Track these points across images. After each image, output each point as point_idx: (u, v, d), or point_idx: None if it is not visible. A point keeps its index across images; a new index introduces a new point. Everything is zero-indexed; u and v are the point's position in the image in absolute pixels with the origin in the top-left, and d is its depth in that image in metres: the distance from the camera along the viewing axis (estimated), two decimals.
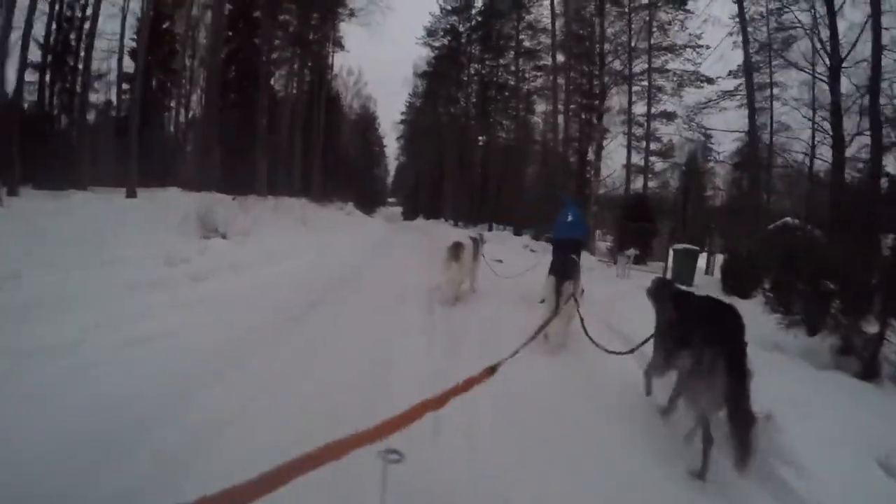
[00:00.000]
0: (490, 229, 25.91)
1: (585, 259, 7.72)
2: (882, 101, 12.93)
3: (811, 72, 15.73)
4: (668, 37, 23.49)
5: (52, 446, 2.53)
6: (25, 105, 18.92)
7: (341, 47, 30.61)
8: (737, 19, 17.95)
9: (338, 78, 34.84)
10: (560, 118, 25.28)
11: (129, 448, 2.62)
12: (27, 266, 5.24)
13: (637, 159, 24.20)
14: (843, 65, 14.07)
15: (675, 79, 23.50)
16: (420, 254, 12.99)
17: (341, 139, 36.59)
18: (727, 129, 20.79)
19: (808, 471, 2.81)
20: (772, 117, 18.20)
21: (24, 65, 16.02)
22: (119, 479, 2.35)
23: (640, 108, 24.25)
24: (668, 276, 10.00)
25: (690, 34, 22.70)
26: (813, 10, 15.18)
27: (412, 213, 41.74)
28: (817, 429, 3.16)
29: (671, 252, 12.73)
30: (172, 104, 26.73)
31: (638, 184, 24.11)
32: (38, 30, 18.55)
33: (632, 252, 12.43)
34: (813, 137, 17.08)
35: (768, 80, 18.42)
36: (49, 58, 20.68)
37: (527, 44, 29.47)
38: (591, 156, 25.78)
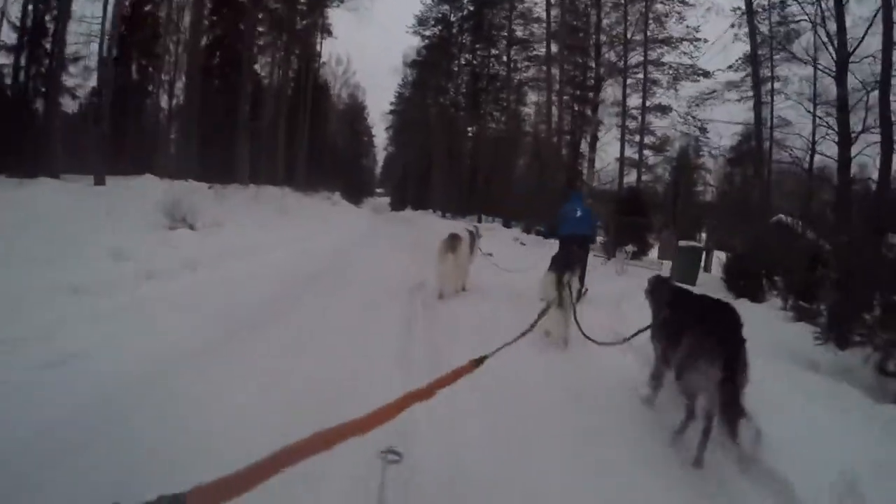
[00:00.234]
0: (479, 221, 25.55)
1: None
2: (892, 97, 12.35)
3: (818, 66, 15.14)
4: (665, 29, 23.21)
5: None
6: None
7: (329, 33, 29.87)
8: (738, 11, 17.41)
9: (326, 66, 34.12)
10: (553, 109, 24.73)
11: None
12: None
13: (630, 153, 23.99)
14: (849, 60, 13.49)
15: (670, 72, 23.22)
16: (404, 247, 12.31)
17: (329, 128, 35.93)
18: (730, 121, 20.24)
19: None
20: (772, 112, 17.62)
21: None
22: None
23: (634, 102, 24.03)
24: (670, 274, 9.43)
25: (688, 27, 22.27)
26: (819, 3, 14.64)
27: (400, 204, 41.43)
28: None
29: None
30: (156, 90, 25.74)
31: (631, 177, 23.92)
32: (14, 10, 17.62)
33: (630, 248, 11.90)
34: (814, 134, 16.60)
35: (769, 75, 17.85)
36: (25, 39, 19.64)
37: (519, 33, 29.12)
38: (583, 147, 25.40)
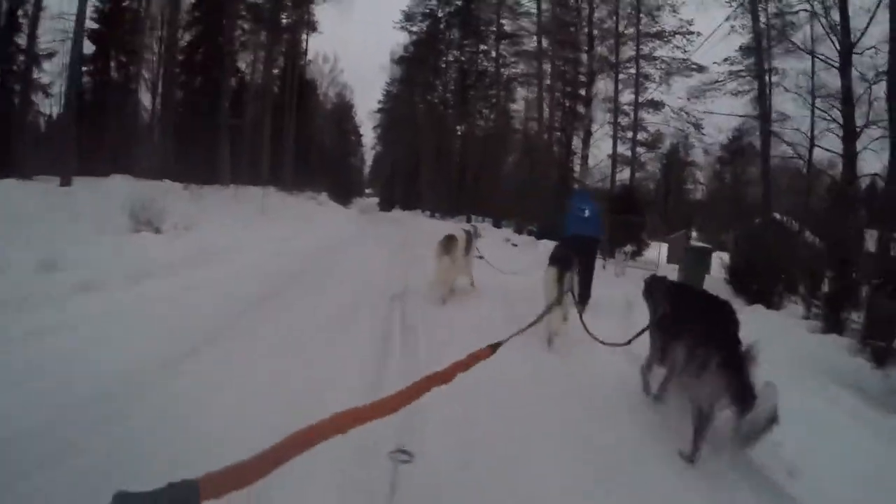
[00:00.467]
0: (468, 221, 24.81)
1: None
2: None
3: (820, 56, 14.61)
4: (657, 23, 22.79)
5: None
6: None
7: (314, 29, 29.16)
8: (735, 1, 16.86)
9: (313, 64, 33.61)
10: (544, 105, 24.24)
11: None
12: None
13: (623, 149, 23.56)
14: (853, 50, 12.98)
15: (663, 66, 22.79)
16: (388, 250, 11.57)
17: (316, 127, 35.11)
18: (732, 114, 19.72)
19: None
20: (770, 105, 17.12)
21: None
22: None
23: (626, 98, 23.57)
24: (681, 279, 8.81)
25: (681, 20, 21.77)
26: None
27: (388, 205, 40.86)
28: None
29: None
30: (137, 87, 24.77)
31: (623, 175, 23.47)
32: None
33: (629, 248, 11.36)
34: (812, 129, 16.11)
35: (767, 67, 17.34)
36: None
37: (508, 28, 28.59)
38: (575, 144, 24.96)
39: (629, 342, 3.62)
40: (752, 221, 18.02)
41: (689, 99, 20.88)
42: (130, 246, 7.22)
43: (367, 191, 56.16)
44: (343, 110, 42.41)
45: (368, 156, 52.43)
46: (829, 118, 14.89)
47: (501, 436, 2.94)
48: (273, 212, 16.00)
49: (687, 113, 22.35)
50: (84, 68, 22.06)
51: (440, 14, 31.46)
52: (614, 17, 22.77)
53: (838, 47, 13.26)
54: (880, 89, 12.73)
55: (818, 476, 2.63)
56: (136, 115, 23.88)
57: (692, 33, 21.65)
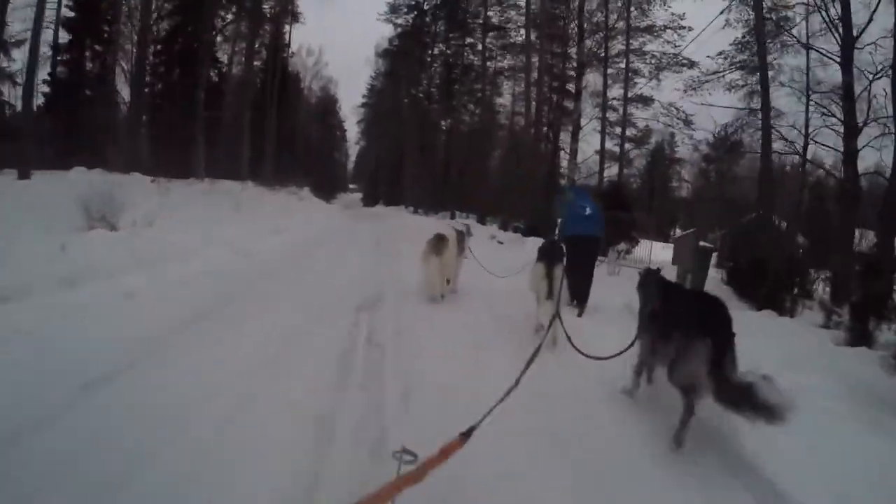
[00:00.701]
0: (452, 217, 24.69)
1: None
2: None
3: (820, 50, 14.26)
4: (648, 17, 22.47)
5: None
6: None
7: (296, 18, 28.52)
8: None
9: (297, 57, 33.05)
10: (532, 98, 23.87)
11: None
12: None
13: (610, 145, 23.33)
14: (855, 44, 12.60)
15: (653, 61, 22.41)
16: (363, 249, 10.96)
17: (299, 121, 34.37)
18: (731, 106, 19.27)
19: None
20: (767, 101, 16.76)
21: None
22: None
23: (614, 92, 23.29)
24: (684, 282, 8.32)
25: (673, 14, 21.40)
26: None
27: (372, 200, 40.17)
28: None
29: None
30: (112, 78, 23.78)
31: (612, 171, 23.29)
32: None
33: (623, 247, 10.96)
34: (806, 126, 15.82)
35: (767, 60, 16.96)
36: None
37: (495, 20, 28.14)
38: (563, 138, 24.63)
39: (615, 356, 3.42)
40: (744, 219, 17.70)
41: (685, 91, 20.34)
42: (78, 245, 6.50)
43: (351, 186, 55.35)
44: (327, 104, 41.79)
45: (353, 151, 51.79)
46: (828, 113, 14.68)
47: (488, 438, 2.34)
48: (249, 208, 15.30)
49: (677, 108, 22.03)
50: (59, 58, 21.40)
51: (426, 7, 30.84)
52: (604, 11, 22.27)
53: (840, 42, 12.87)
54: (878, 86, 12.51)
55: None
56: (112, 106, 22.94)
57: (683, 28, 21.38)
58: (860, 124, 12.35)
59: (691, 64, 20.50)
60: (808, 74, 15.59)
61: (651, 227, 21.33)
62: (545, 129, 25.25)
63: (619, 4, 22.17)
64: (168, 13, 23.99)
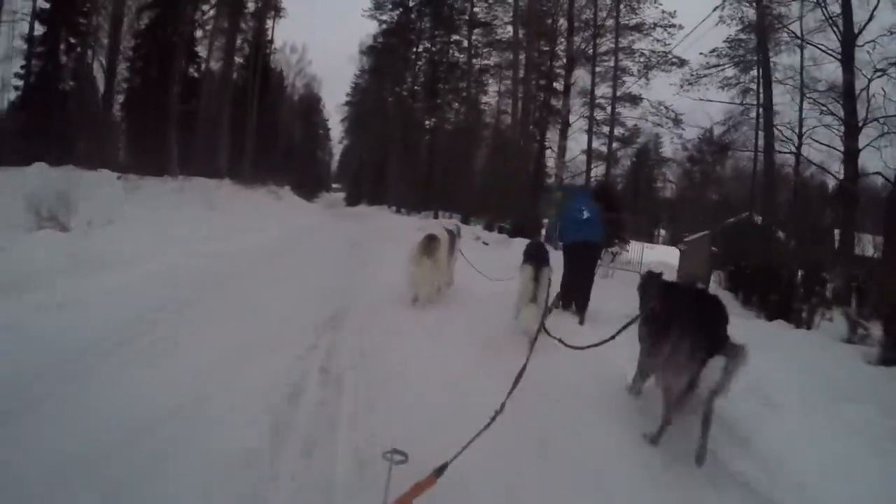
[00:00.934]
0: (436, 217, 24.16)
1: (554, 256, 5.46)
2: None
3: (820, 47, 13.95)
4: (637, 14, 22.15)
5: None
6: None
7: (279, 13, 27.72)
8: None
9: (280, 54, 32.22)
10: (519, 95, 23.71)
11: None
12: None
13: (598, 144, 23.03)
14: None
15: (642, 59, 22.18)
16: (339, 252, 10.34)
17: (282, 119, 33.73)
18: (730, 102, 19.10)
19: None
20: (762, 99, 16.49)
21: None
22: None
23: (602, 91, 23.00)
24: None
25: (664, 11, 21.05)
26: None
27: (355, 200, 39.62)
28: None
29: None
30: (89, 73, 22.93)
31: (599, 171, 23.00)
32: None
33: (616, 249, 10.61)
34: (800, 125, 15.53)
35: (755, 59, 16.72)
36: None
37: (481, 17, 27.75)
38: (549, 137, 24.25)
39: (602, 343, 3.48)
40: (736, 219, 17.41)
41: (681, 86, 20.08)
42: (17, 247, 5.93)
43: (334, 185, 54.74)
44: (311, 102, 41.01)
45: (337, 150, 51.08)
46: (826, 112, 14.42)
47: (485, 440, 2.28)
48: (223, 206, 14.65)
49: (666, 107, 21.75)
50: (33, 50, 20.53)
51: (411, 2, 30.30)
52: (593, 8, 21.92)
53: (840, 38, 12.59)
54: (877, 85, 12.34)
55: None
56: (87, 101, 22.10)
57: (673, 26, 21.12)
58: (862, 122, 12.05)
59: (681, 62, 20.28)
60: (801, 73, 15.33)
61: (642, 227, 20.99)
62: (532, 126, 24.86)
63: (609, 2, 21.85)
64: (146, 5, 23.20)
